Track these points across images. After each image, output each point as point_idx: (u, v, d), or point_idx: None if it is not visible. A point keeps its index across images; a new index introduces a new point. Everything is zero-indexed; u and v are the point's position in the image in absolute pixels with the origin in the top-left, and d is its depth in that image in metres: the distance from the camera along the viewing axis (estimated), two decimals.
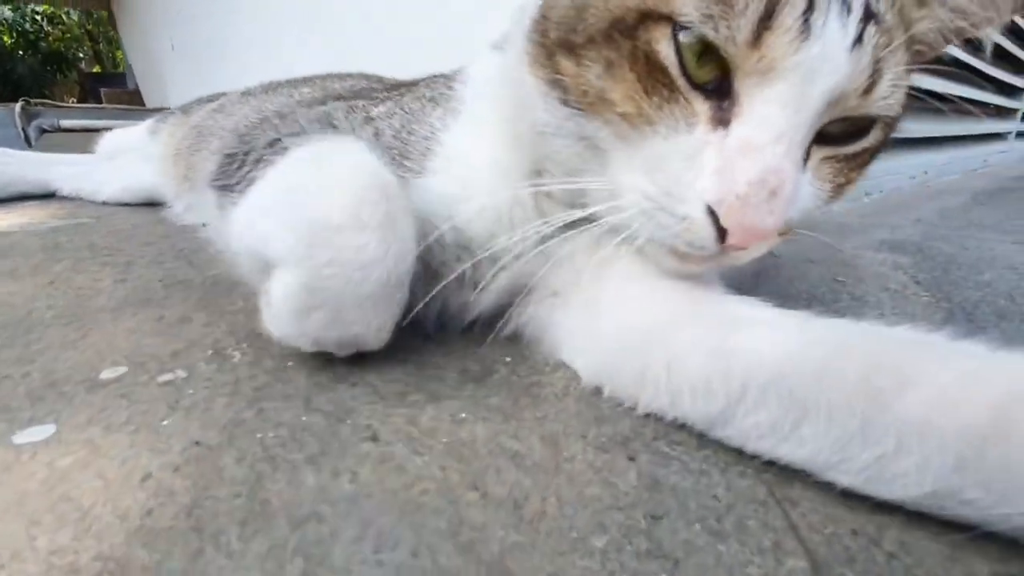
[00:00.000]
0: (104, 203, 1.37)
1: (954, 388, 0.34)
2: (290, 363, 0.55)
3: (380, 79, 1.04)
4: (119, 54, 12.81)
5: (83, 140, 1.67)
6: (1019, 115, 4.11)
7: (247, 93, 1.20)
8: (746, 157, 0.40)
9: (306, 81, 1.14)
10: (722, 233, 0.41)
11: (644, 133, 0.43)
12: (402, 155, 0.58)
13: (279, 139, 0.59)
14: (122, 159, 1.45)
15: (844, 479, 0.38)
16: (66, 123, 4.30)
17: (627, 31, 0.42)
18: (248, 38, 3.14)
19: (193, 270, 0.85)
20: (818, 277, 0.92)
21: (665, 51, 0.41)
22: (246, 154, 0.61)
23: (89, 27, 15.26)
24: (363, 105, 0.66)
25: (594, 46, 0.43)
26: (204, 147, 1.05)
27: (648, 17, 0.41)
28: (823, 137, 0.43)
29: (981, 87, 3.16)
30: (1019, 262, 1.08)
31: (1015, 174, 3.37)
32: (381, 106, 0.65)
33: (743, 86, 0.40)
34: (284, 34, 2.59)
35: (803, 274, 0.94)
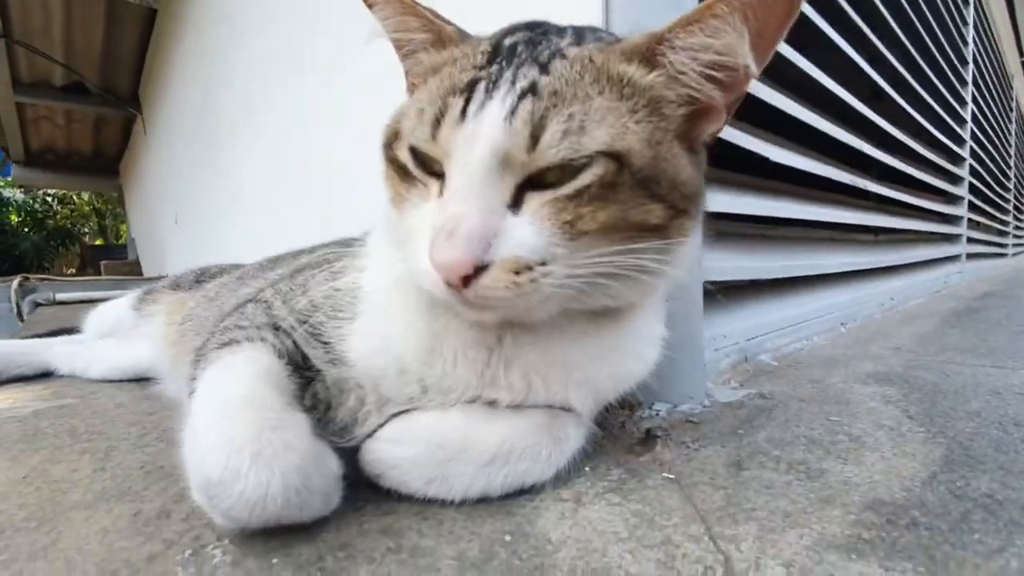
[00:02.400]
0: (93, 380, 1.36)
1: None
2: (275, 560, 0.51)
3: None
4: (123, 227, 13.59)
5: (75, 312, 1.70)
6: (964, 239, 4.47)
7: (242, 276, 1.25)
8: (439, 213, 0.52)
9: (279, 260, 1.21)
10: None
11: (406, 209, 0.58)
12: (335, 309, 0.68)
13: (233, 341, 0.66)
14: (110, 337, 1.47)
15: None
16: (61, 296, 4.42)
17: (389, 147, 0.60)
18: (240, 210, 3.38)
19: (177, 452, 0.82)
20: (812, 417, 0.92)
21: (404, 155, 0.58)
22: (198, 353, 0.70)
23: (99, 205, 16.39)
24: (302, 282, 0.75)
25: (386, 161, 0.61)
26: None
27: (397, 135, 0.59)
28: (542, 184, 0.52)
29: (927, 219, 3.50)
30: (1001, 386, 1.09)
31: (976, 294, 3.55)
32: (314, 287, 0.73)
33: (446, 167, 0.53)
34: (277, 206, 2.80)
35: (797, 415, 0.93)
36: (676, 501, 0.62)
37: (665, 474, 0.70)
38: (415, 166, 0.57)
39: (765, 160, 1.47)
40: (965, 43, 4.25)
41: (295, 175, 2.55)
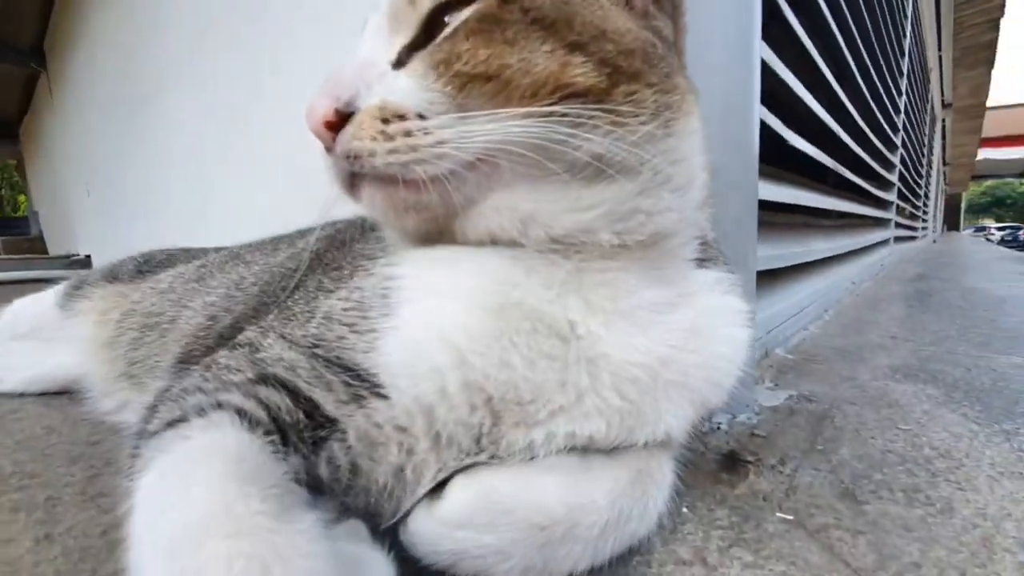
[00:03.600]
0: (5, 395, 1.10)
1: None
2: None
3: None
4: (21, 198, 12.14)
5: None
6: (893, 223, 4.78)
7: (205, 266, 1.02)
8: None
9: (256, 250, 0.98)
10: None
11: None
12: (362, 312, 0.49)
13: (182, 419, 0.43)
14: (29, 340, 1.20)
15: None
16: None
17: None
18: (176, 183, 3.00)
19: None
20: (879, 426, 0.85)
21: None
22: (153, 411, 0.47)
23: None
24: (300, 311, 0.55)
25: None
26: (153, 343, 0.87)
27: None
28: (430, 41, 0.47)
29: (863, 203, 3.66)
30: None
31: (910, 276, 3.79)
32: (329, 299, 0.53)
33: None
34: (215, 186, 2.49)
35: (861, 423, 0.86)
36: (820, 557, 0.52)
37: (780, 514, 0.59)
38: None
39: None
40: (904, 35, 4.44)
41: (251, 142, 2.23)
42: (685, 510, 0.60)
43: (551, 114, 0.43)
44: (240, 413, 0.42)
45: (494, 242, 0.49)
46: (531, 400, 0.46)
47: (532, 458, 0.47)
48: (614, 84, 0.45)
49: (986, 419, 0.88)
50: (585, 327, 0.47)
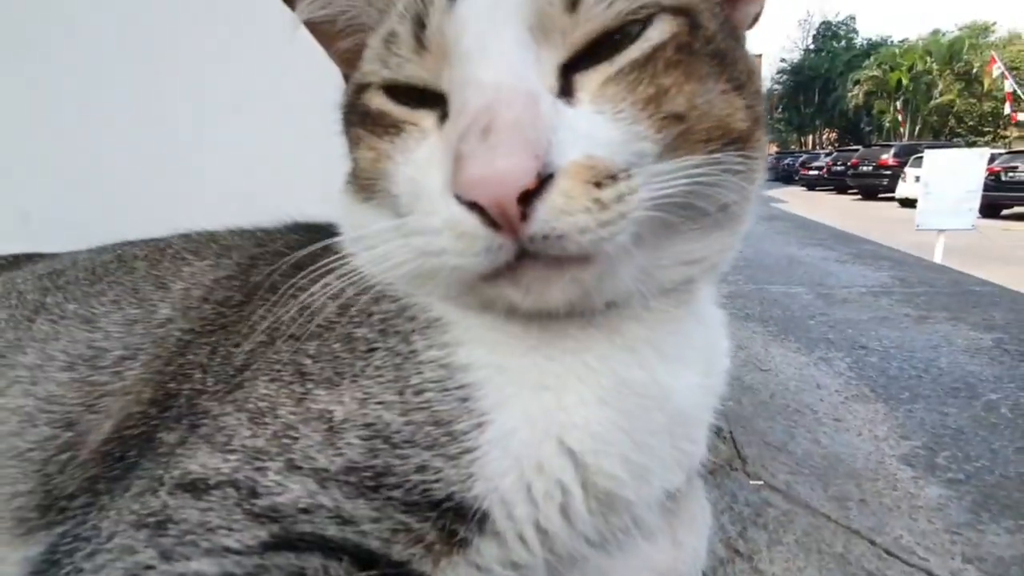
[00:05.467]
0: None
1: None
2: None
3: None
4: None
5: None
6: None
7: (46, 312, 0.58)
8: (457, 119, 0.33)
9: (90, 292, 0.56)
10: (487, 216, 0.31)
11: (393, 171, 0.39)
12: (439, 427, 0.38)
13: None
14: None
15: None
16: None
17: (353, 107, 0.43)
18: None
19: None
20: (748, 369, 1.04)
21: (378, 101, 0.41)
22: None
23: None
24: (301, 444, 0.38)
25: (350, 129, 0.44)
26: None
27: (362, 89, 0.42)
28: (590, 62, 0.36)
29: None
30: (811, 308, 1.43)
31: None
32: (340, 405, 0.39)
33: (444, 80, 0.36)
34: None
35: (736, 366, 1.04)
36: (805, 519, 0.62)
37: (753, 481, 0.69)
38: (397, 104, 0.39)
39: None
40: None
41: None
42: None
43: (716, 162, 0.37)
44: None
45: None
46: (646, 483, 0.43)
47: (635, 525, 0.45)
48: (753, 128, 0.40)
49: (804, 349, 1.14)
50: (668, 385, 0.45)
